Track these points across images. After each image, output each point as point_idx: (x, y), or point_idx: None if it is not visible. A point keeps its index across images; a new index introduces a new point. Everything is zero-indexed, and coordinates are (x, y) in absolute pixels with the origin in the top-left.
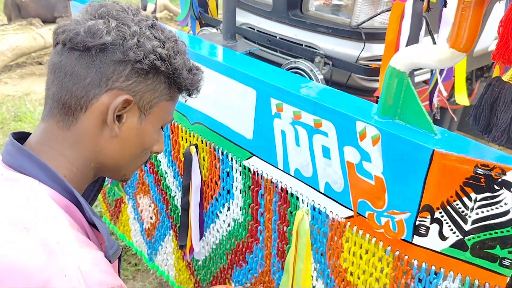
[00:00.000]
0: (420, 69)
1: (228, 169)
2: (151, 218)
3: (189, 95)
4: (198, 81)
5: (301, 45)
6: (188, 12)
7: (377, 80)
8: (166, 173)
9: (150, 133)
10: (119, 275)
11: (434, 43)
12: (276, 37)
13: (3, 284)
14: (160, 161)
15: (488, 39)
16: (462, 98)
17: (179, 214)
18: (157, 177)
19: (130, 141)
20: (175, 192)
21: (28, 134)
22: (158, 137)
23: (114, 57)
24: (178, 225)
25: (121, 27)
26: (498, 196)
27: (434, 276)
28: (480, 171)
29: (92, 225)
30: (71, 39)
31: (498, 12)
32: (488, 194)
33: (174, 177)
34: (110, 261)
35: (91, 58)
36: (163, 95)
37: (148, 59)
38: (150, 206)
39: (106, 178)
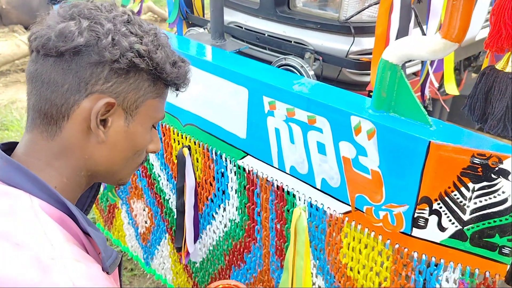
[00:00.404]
0: (410, 61)
1: (222, 170)
2: (146, 222)
3: (177, 90)
4: (184, 75)
5: (290, 41)
6: (178, 13)
7: (368, 74)
8: (159, 176)
9: (141, 134)
10: (120, 283)
11: (424, 34)
12: (264, 34)
13: None
14: (152, 165)
15: (475, 29)
16: (451, 88)
17: (174, 217)
18: (150, 180)
19: (119, 145)
20: (169, 195)
21: (16, 143)
22: (152, 136)
23: (90, 59)
24: (173, 228)
25: (94, 26)
26: (495, 185)
27: (435, 267)
28: (477, 160)
29: (89, 235)
30: (43, 45)
31: (484, 0)
32: (485, 183)
33: (167, 180)
34: (108, 272)
35: (66, 63)
36: (149, 93)
37: (126, 57)
38: (144, 210)
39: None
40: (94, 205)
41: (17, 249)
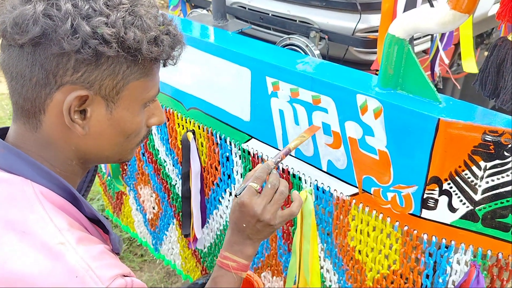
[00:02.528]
0: (419, 38)
1: (227, 154)
2: (154, 208)
3: (164, 66)
4: (169, 49)
5: (295, 20)
6: None
7: (376, 53)
8: (165, 161)
9: (128, 119)
10: None
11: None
12: (268, 14)
13: None
14: (158, 150)
15: (487, 3)
16: (469, 65)
17: (181, 202)
18: (156, 166)
19: (105, 133)
20: (176, 180)
21: (7, 128)
22: (150, 111)
23: (51, 50)
24: (181, 213)
25: (49, 10)
26: (508, 163)
27: (445, 249)
28: (488, 137)
29: (91, 220)
30: (4, 35)
31: None
32: (497, 161)
33: (173, 165)
34: (118, 253)
35: (30, 55)
36: (129, 76)
37: (89, 45)
38: (151, 196)
39: (105, 172)
40: (102, 192)
41: (24, 238)
